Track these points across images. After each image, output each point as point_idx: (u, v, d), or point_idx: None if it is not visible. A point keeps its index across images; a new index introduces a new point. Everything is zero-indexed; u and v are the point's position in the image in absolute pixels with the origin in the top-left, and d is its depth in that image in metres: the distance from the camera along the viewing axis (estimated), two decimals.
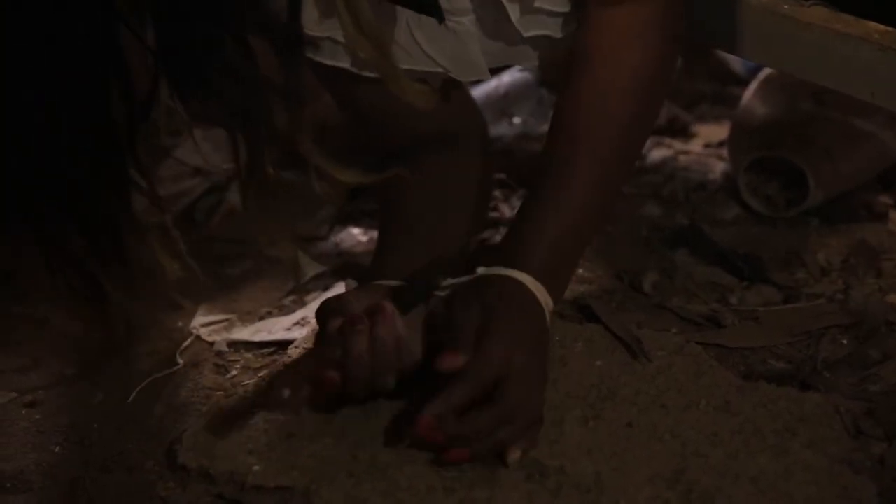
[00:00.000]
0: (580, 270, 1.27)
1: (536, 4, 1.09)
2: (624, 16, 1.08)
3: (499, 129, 1.67)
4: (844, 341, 1.17)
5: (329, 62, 1.11)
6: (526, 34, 1.11)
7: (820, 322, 1.20)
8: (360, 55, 1.01)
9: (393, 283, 1.12)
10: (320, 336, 1.08)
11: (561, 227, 1.07)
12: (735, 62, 1.80)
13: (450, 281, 1.08)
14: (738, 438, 1.01)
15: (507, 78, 1.70)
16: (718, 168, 1.57)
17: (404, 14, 1.09)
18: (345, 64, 1.11)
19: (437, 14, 1.05)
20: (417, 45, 1.10)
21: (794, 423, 1.03)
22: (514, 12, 1.10)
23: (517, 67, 1.67)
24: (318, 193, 0.95)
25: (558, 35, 1.12)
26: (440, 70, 1.12)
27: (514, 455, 0.98)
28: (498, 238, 1.42)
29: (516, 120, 1.70)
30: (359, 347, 1.01)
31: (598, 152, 1.08)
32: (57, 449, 1.10)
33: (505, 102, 1.70)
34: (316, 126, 0.89)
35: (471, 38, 1.11)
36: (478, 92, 1.65)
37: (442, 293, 1.07)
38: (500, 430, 0.97)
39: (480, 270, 1.06)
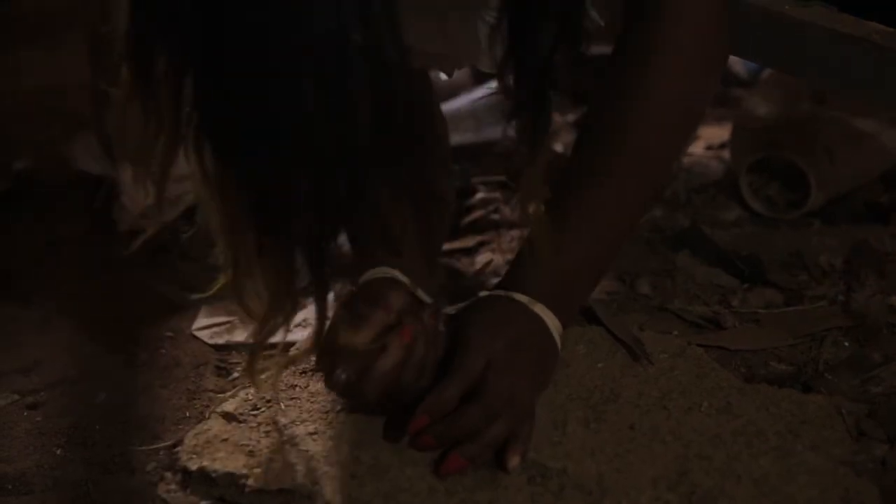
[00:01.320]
0: None
1: None
2: (660, 37, 1.03)
3: (499, 133, 1.67)
4: (846, 343, 1.17)
5: None
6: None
7: (821, 324, 1.20)
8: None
9: (396, 275, 1.08)
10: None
11: (573, 253, 1.05)
12: (736, 63, 1.80)
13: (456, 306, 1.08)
14: (740, 440, 1.01)
15: None
16: (720, 169, 1.57)
17: None
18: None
19: None
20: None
21: (796, 425, 1.03)
22: None
23: None
24: None
25: None
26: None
27: (514, 461, 0.98)
28: (498, 239, 1.42)
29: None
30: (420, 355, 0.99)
31: (620, 185, 1.06)
32: (58, 451, 1.10)
33: (507, 105, 1.69)
34: None
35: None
36: (478, 94, 1.65)
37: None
38: (490, 426, 0.97)
39: (483, 293, 1.06)
